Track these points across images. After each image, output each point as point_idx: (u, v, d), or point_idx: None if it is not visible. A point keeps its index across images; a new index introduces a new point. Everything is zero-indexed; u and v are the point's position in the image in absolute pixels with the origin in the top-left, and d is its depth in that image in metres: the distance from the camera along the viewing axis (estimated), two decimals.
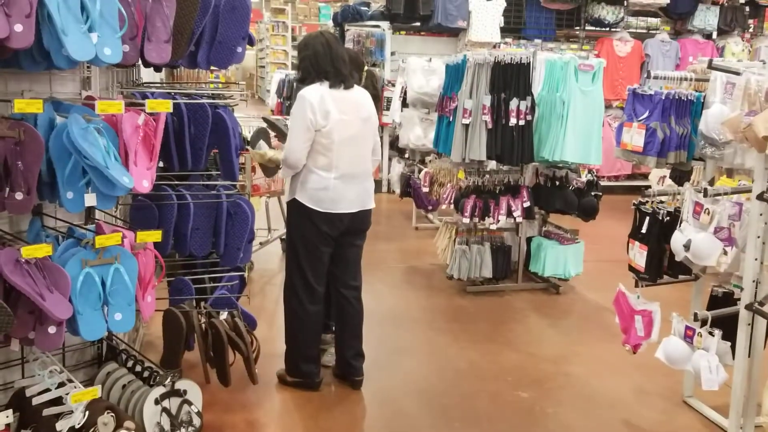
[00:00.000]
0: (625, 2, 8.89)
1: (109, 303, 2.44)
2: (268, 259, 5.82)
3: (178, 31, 2.78)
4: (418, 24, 8.74)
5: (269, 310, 4.63)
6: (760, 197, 2.79)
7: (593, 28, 9.22)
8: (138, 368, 2.86)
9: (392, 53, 8.75)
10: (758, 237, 2.83)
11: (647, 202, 3.35)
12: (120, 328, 2.49)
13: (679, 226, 3.09)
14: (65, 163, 2.30)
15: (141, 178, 2.45)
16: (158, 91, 3.26)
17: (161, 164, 3.37)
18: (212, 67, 3.26)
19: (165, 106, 2.48)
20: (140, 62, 2.79)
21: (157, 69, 3.50)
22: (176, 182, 3.28)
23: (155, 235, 2.54)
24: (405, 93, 7.11)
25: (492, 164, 5.18)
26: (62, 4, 2.17)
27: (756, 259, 2.84)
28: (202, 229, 3.24)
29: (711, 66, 3.06)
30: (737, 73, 2.94)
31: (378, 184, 8.88)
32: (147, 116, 2.50)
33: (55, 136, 2.29)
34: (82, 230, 2.58)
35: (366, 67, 6.23)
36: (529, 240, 5.26)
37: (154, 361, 3.03)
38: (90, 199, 2.36)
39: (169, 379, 2.72)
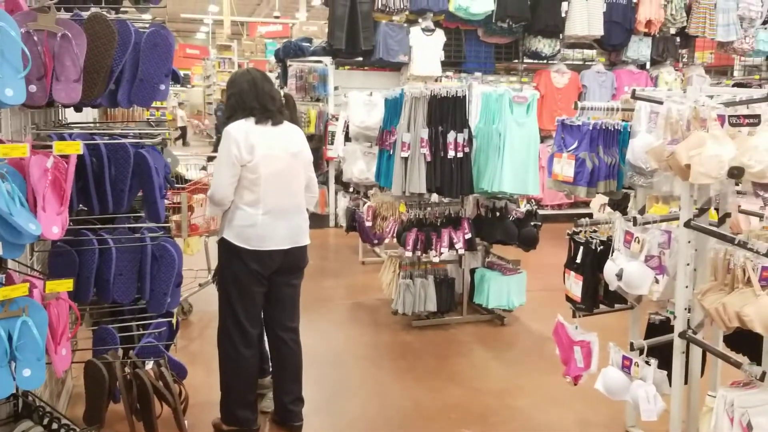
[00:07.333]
0: (561, 35, 9.10)
1: (17, 358, 2.27)
2: (208, 300, 5.62)
3: (93, 70, 2.69)
4: (360, 59, 8.79)
5: (208, 354, 4.45)
6: (687, 224, 2.81)
7: (531, 60, 9.43)
8: (54, 426, 2.68)
9: (335, 88, 8.76)
10: (688, 264, 2.85)
11: (580, 231, 3.36)
12: (29, 384, 2.32)
13: (612, 255, 3.09)
14: None
15: (50, 224, 2.31)
16: (77, 132, 3.14)
17: (82, 207, 3.24)
18: (154, 105, 3.15)
19: (74, 148, 2.36)
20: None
21: (78, 109, 3.38)
22: (99, 226, 3.14)
23: (66, 284, 2.40)
24: (348, 127, 7.11)
25: (434, 197, 5.17)
26: None
27: (687, 287, 2.85)
28: (126, 274, 3.09)
29: (634, 96, 3.10)
30: (659, 102, 2.98)
31: (325, 218, 8.80)
32: (57, 159, 2.38)
33: None
34: None
35: (282, 92, 6.15)
36: (472, 272, 5.24)
37: (80, 415, 2.86)
38: None
39: None
